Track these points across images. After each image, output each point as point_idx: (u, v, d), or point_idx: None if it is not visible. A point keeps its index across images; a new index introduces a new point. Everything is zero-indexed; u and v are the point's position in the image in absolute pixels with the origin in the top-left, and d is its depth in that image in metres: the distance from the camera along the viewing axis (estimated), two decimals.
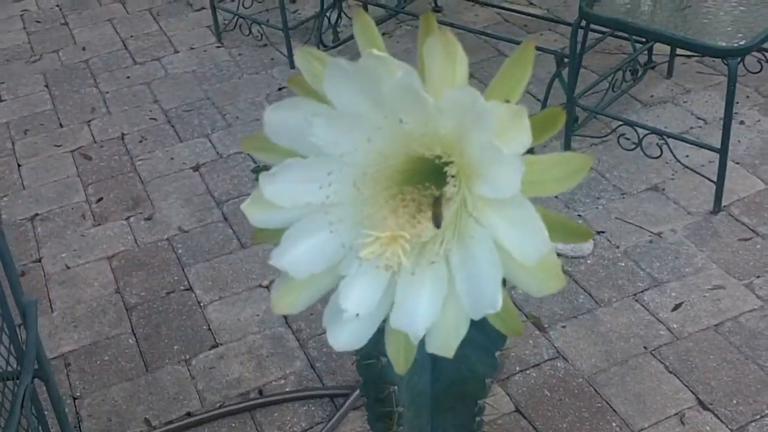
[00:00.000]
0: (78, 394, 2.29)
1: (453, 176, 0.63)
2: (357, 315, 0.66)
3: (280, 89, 3.53)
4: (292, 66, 3.64)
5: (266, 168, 2.40)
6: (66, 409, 2.17)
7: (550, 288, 0.62)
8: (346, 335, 0.67)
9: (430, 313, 0.64)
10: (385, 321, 0.70)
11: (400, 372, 0.69)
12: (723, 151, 2.58)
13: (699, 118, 3.09)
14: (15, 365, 1.60)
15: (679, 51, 3.23)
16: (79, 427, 2.19)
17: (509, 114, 0.58)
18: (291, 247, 0.66)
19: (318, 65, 0.64)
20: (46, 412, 1.80)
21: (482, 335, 0.70)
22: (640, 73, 3.25)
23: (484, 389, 0.98)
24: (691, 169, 2.77)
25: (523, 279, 0.63)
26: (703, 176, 2.73)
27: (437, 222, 0.65)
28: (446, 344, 0.66)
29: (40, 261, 2.77)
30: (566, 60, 2.90)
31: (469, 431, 1.04)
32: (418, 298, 0.65)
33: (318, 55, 0.64)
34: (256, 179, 2.73)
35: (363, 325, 0.67)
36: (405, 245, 0.63)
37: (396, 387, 0.94)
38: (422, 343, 0.70)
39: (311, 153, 0.64)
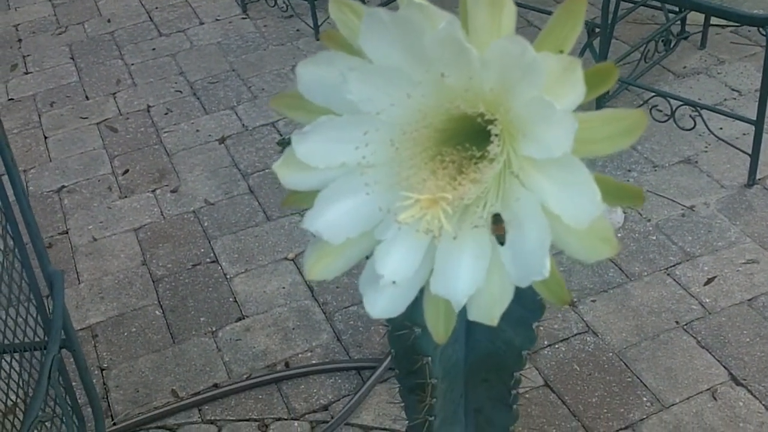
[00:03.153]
0: (105, 365, 2.29)
1: (497, 135, 0.60)
2: (394, 282, 0.62)
3: None
4: (318, 37, 3.60)
5: (290, 142, 2.35)
6: (93, 380, 2.18)
7: (601, 253, 0.58)
8: (383, 302, 0.64)
9: (472, 279, 0.61)
10: (421, 289, 0.67)
11: (440, 342, 0.66)
12: (758, 123, 2.52)
13: (733, 90, 3.03)
14: (42, 336, 1.60)
15: (713, 21, 3.15)
16: (107, 397, 2.20)
17: (561, 66, 0.54)
18: (325, 210, 0.63)
19: (353, 17, 0.61)
20: (73, 383, 1.80)
21: (519, 306, 0.67)
22: (672, 44, 3.18)
23: (521, 361, 0.95)
24: (725, 142, 2.71)
25: (571, 244, 0.59)
26: (738, 149, 2.68)
27: (501, 241, 0.61)
28: (489, 312, 0.63)
29: (66, 233, 2.77)
30: (597, 30, 2.84)
31: (504, 404, 1.01)
32: (459, 264, 0.62)
33: (353, 6, 0.61)
34: (281, 151, 2.70)
35: (401, 292, 0.64)
36: (446, 208, 0.60)
37: (429, 358, 0.91)
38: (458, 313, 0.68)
39: (346, 111, 0.61)
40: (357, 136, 0.61)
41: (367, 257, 0.66)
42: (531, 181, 0.59)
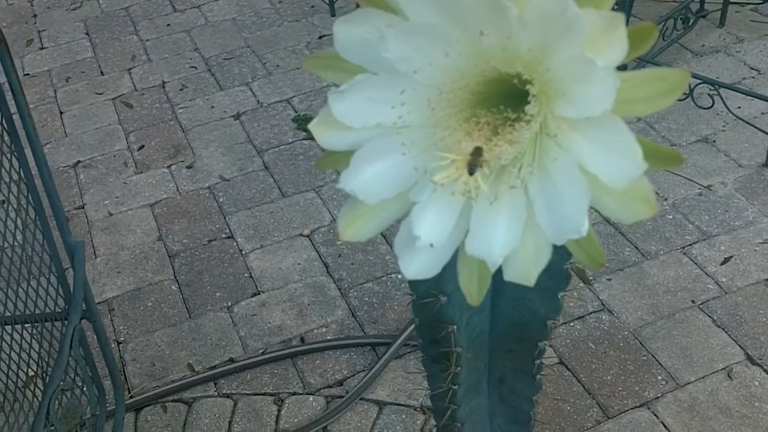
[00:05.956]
0: (122, 338, 2.31)
1: (534, 96, 0.60)
2: (431, 245, 0.63)
3: (320, 37, 3.49)
4: (333, 13, 3.58)
5: (306, 118, 2.36)
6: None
7: (640, 214, 0.58)
8: (418, 263, 0.64)
9: (508, 238, 0.61)
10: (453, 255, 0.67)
11: (474, 304, 0.66)
12: None
13: (752, 69, 3.00)
14: (63, 307, 1.61)
15: None
16: (123, 371, 2.22)
17: (603, 23, 0.53)
18: (361, 169, 0.63)
19: None
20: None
21: (545, 276, 0.67)
22: (691, 22, 3.15)
23: (546, 331, 0.95)
24: (744, 121, 2.70)
25: (609, 205, 0.59)
26: (756, 128, 2.66)
27: (471, 171, 0.62)
28: (525, 272, 0.63)
29: (83, 207, 2.78)
30: (616, 7, 2.82)
31: (528, 374, 1.01)
32: (495, 224, 0.62)
33: None
34: (297, 128, 2.69)
35: (436, 253, 0.64)
36: (483, 168, 0.60)
37: (455, 326, 0.91)
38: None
39: (383, 70, 0.60)
40: (393, 95, 0.61)
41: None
42: (569, 142, 0.59)
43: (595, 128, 0.57)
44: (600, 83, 0.54)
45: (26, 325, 1.58)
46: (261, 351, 2.23)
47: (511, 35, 0.56)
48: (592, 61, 0.53)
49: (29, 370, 1.63)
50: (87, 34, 3.73)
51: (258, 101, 3.17)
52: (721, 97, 2.64)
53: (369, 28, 0.58)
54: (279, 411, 2.08)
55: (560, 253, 0.68)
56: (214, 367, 2.20)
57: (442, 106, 0.62)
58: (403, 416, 2.03)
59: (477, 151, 0.61)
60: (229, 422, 2.06)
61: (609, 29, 0.54)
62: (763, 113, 2.71)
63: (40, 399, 1.45)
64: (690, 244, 2.38)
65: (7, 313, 1.52)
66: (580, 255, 0.64)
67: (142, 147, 3.02)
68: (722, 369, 2.05)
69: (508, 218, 0.61)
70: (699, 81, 2.68)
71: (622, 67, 0.58)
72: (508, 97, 0.62)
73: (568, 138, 0.59)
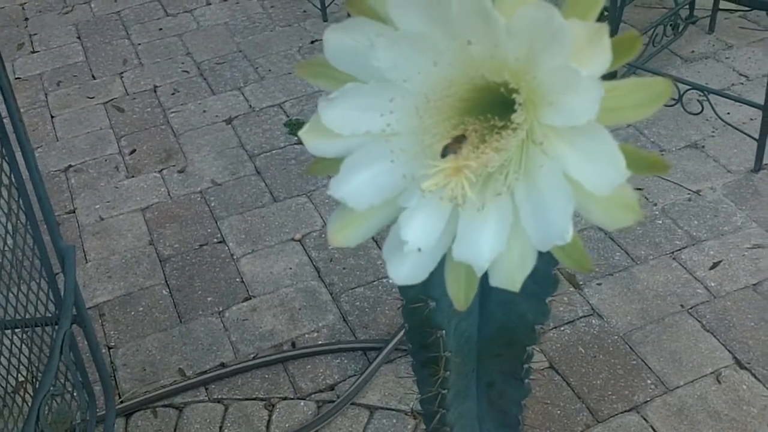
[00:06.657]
0: (112, 343, 2.31)
1: (520, 104, 0.61)
2: (419, 249, 0.63)
3: (312, 42, 3.50)
4: (325, 18, 3.59)
5: (298, 123, 2.36)
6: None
7: (624, 221, 0.59)
8: (406, 269, 0.65)
9: (494, 244, 0.62)
10: (441, 261, 0.68)
11: (461, 309, 0.67)
12: (766, 108, 2.52)
13: (741, 75, 3.03)
14: (54, 311, 1.61)
15: (722, 5, 3.15)
16: (114, 376, 2.22)
17: (588, 33, 0.54)
18: (350, 176, 0.64)
19: None
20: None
21: (531, 281, 0.68)
22: (681, 28, 3.18)
23: (534, 336, 0.96)
24: (733, 126, 2.72)
25: (593, 212, 0.60)
26: (745, 134, 2.68)
27: (444, 153, 0.63)
28: (511, 277, 0.64)
29: (74, 212, 2.78)
30: (606, 14, 2.84)
31: (516, 378, 1.02)
32: (482, 230, 0.63)
33: None
34: (289, 133, 2.68)
35: (424, 258, 0.65)
36: (470, 176, 0.61)
37: (444, 331, 0.92)
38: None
39: (372, 78, 0.61)
40: (383, 103, 0.62)
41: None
42: (554, 150, 0.60)
43: (580, 137, 0.58)
44: (584, 93, 0.55)
45: (16, 330, 1.58)
46: (252, 356, 2.23)
47: (499, 44, 0.57)
48: (577, 71, 0.54)
49: (19, 375, 1.63)
50: (78, 38, 3.73)
51: (250, 106, 3.18)
52: (710, 103, 2.66)
53: (359, 36, 0.59)
54: (270, 416, 2.08)
55: (546, 258, 0.69)
56: (205, 372, 2.20)
57: (431, 113, 0.63)
58: (394, 421, 2.04)
59: (459, 138, 0.62)
60: (220, 427, 2.06)
61: (593, 40, 0.55)
62: (751, 119, 2.73)
63: (29, 404, 1.45)
64: (679, 249, 2.40)
65: None
66: (566, 261, 0.65)
67: (133, 151, 3.02)
68: (711, 373, 2.06)
69: (494, 224, 0.62)
70: (688, 87, 2.70)
71: (612, 74, 0.59)
72: (495, 106, 0.63)
73: (553, 146, 0.60)
